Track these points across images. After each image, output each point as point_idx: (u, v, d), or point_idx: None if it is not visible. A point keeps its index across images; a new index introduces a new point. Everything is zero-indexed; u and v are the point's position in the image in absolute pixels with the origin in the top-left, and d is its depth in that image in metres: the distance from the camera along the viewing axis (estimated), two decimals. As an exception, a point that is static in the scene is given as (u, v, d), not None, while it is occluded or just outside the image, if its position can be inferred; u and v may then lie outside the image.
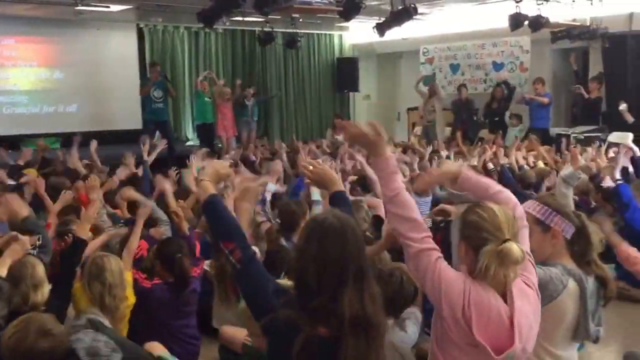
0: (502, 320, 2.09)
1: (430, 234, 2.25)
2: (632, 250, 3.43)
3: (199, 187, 2.39)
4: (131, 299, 3.57)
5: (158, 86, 11.55)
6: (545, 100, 11.57)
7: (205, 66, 13.60)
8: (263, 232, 4.86)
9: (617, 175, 5.74)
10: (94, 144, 8.23)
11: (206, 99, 12.13)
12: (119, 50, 12.71)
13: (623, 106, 10.44)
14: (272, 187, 5.91)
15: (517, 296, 2.12)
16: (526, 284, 2.20)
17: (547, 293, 2.46)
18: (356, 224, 2.19)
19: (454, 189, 2.62)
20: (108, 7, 10.44)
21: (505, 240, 2.11)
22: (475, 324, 2.07)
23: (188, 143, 13.11)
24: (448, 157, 8.63)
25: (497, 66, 13.29)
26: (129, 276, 3.64)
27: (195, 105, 12.85)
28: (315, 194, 4.61)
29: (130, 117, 12.62)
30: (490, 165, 7.28)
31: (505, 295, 2.13)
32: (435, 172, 2.60)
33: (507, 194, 2.44)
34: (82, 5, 9.65)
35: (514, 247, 2.09)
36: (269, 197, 5.73)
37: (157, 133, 11.50)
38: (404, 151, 9.58)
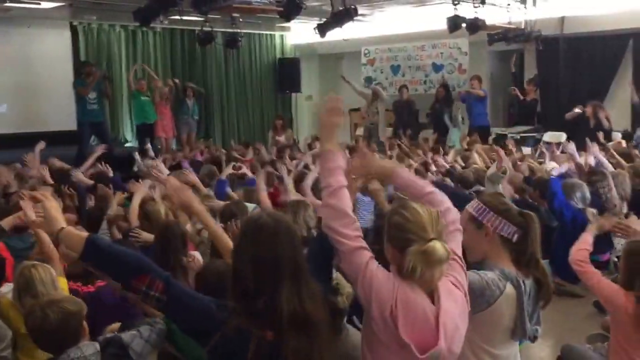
0: (428, 320, 2.10)
1: (361, 234, 2.24)
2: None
3: (62, 241, 2.13)
4: None
5: (94, 87, 11.26)
6: (481, 93, 11.79)
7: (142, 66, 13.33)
8: (204, 237, 4.78)
9: (553, 173, 5.89)
10: (40, 145, 7.74)
11: (143, 98, 11.85)
12: (51, 49, 12.26)
13: (577, 110, 10.66)
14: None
15: (444, 296, 2.13)
16: (454, 284, 2.21)
17: (484, 299, 2.47)
18: (291, 222, 2.17)
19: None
20: (39, 3, 10.11)
21: (430, 240, 2.11)
22: (402, 323, 2.07)
23: (127, 144, 12.82)
24: (391, 157, 8.68)
25: (437, 67, 13.48)
26: (63, 283, 3.49)
27: (133, 105, 12.54)
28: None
29: (64, 118, 12.20)
30: (432, 168, 7.37)
31: (432, 295, 2.14)
32: (371, 162, 2.55)
33: (441, 196, 2.43)
34: (11, 2, 9.31)
35: (438, 246, 2.09)
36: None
37: (93, 137, 11.20)
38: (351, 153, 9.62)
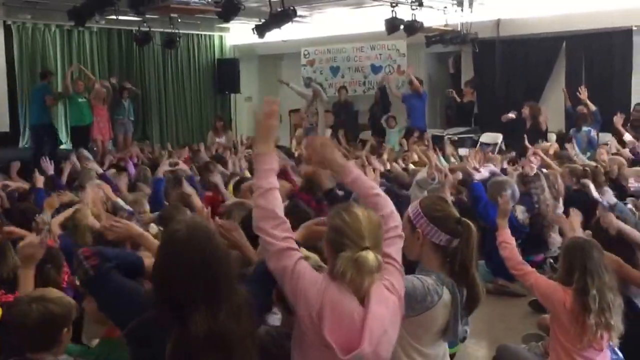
0: (354, 322, 2.11)
1: (292, 235, 2.25)
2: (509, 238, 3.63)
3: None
4: None
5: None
6: (420, 88, 11.90)
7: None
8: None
9: (476, 177, 5.97)
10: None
11: (80, 99, 11.55)
12: (-17, 49, 11.88)
13: (511, 115, 10.87)
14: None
15: (374, 301, 2.15)
16: (388, 289, 2.22)
17: (425, 305, 2.50)
18: (211, 235, 2.15)
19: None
20: (-30, 2, 9.76)
21: (364, 248, 2.13)
22: (327, 324, 2.09)
23: (62, 147, 12.47)
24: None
25: (376, 69, 13.59)
26: None
27: (69, 107, 12.20)
28: None
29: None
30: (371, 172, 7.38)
31: (364, 298, 2.16)
32: (328, 150, 2.55)
33: (385, 200, 2.45)
34: (-59, 0, 8.96)
35: (369, 257, 2.12)
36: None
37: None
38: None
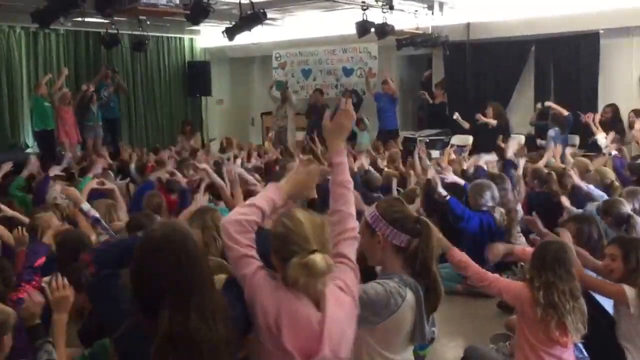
0: (312, 327, 2.12)
1: (254, 245, 2.23)
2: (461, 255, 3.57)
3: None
4: None
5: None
6: (395, 89, 11.95)
7: (45, 69, 12.77)
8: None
9: (443, 192, 5.92)
10: None
11: (46, 104, 11.36)
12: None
13: (456, 115, 11.05)
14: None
15: (330, 303, 2.16)
16: (341, 288, 2.23)
17: (389, 309, 2.49)
18: (186, 236, 2.12)
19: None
20: None
21: (312, 251, 2.11)
22: (285, 332, 2.10)
23: (27, 150, 12.25)
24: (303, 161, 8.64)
25: (347, 71, 13.59)
26: None
27: (34, 111, 11.97)
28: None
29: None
30: None
31: (318, 302, 2.16)
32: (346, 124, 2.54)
33: (353, 199, 2.48)
34: None
35: (318, 259, 2.11)
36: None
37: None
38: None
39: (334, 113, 2.60)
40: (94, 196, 5.52)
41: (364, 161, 8.01)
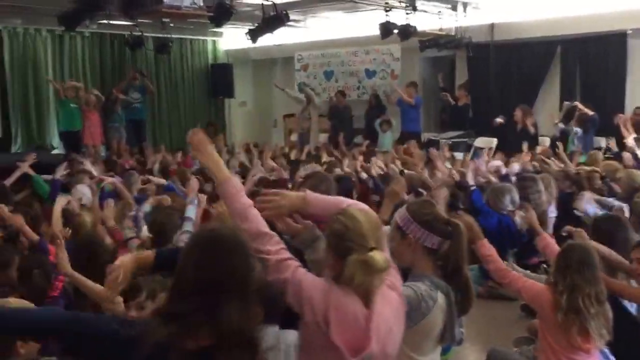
0: (360, 323, 2.13)
1: (284, 246, 2.26)
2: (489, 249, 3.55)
3: None
4: None
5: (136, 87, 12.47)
6: (411, 101, 11.90)
7: (71, 71, 12.95)
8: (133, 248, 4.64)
9: (471, 181, 5.92)
10: None
11: (72, 105, 11.50)
12: (-27, 54, 11.83)
13: (499, 120, 10.84)
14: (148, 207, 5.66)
15: (378, 300, 2.16)
16: (389, 287, 2.24)
17: (420, 312, 2.50)
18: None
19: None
20: (-40, 7, 9.71)
21: (371, 249, 2.13)
22: (334, 327, 2.10)
23: (54, 152, 12.41)
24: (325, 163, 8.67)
25: (370, 73, 13.55)
26: None
27: (61, 112, 12.14)
28: (190, 210, 4.47)
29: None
30: (364, 175, 7.34)
31: (366, 298, 2.16)
32: (279, 202, 2.48)
33: (363, 205, 2.43)
34: None
35: (378, 256, 2.12)
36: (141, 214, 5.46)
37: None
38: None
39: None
40: (110, 196, 5.60)
41: (381, 163, 7.99)
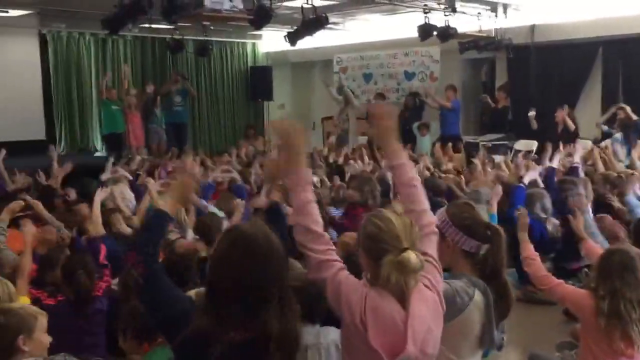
0: (397, 325, 2.13)
1: (333, 247, 2.27)
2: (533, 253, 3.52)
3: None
4: None
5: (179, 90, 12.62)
6: (448, 105, 11.82)
7: (113, 74, 13.19)
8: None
9: (525, 180, 5.88)
10: (1, 154, 7.72)
11: (113, 107, 11.72)
12: (19, 57, 12.16)
13: (532, 113, 10.78)
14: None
15: (415, 300, 2.16)
16: (427, 286, 2.24)
17: (455, 307, 2.48)
18: (279, 241, 2.18)
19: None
20: (7, 11, 10.00)
21: (404, 249, 2.13)
22: (371, 329, 2.11)
23: (97, 154, 12.67)
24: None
25: (409, 75, 13.50)
26: (24, 302, 3.39)
27: (103, 114, 12.39)
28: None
29: (32, 127, 12.11)
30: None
31: (403, 300, 2.16)
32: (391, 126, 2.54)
33: (422, 195, 2.46)
34: (-22, 10, 9.19)
35: (412, 256, 2.13)
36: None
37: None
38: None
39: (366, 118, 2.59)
40: None
41: (423, 166, 7.97)
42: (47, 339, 2.72)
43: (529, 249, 3.55)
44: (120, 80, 12.68)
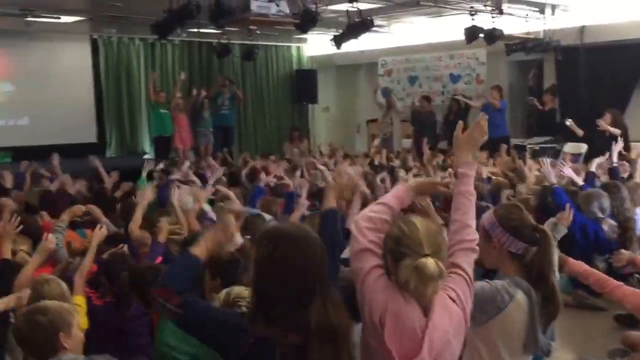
0: (415, 331, 2.13)
1: (381, 244, 2.28)
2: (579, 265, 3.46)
3: None
4: (83, 323, 3.34)
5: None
6: (498, 104, 11.65)
7: (161, 78, 13.44)
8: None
9: (553, 179, 5.79)
10: (56, 158, 7.99)
11: (162, 110, 11.93)
12: (72, 62, 12.54)
13: (569, 122, 10.57)
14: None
15: (437, 311, 2.16)
16: (452, 299, 2.22)
17: (495, 304, 2.47)
18: (317, 237, 2.21)
19: None
20: (59, 18, 10.26)
21: (424, 255, 2.12)
22: (388, 331, 2.12)
23: (145, 156, 12.92)
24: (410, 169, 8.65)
25: (454, 78, 13.40)
26: (80, 300, 3.49)
27: (152, 117, 12.62)
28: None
29: (83, 130, 12.43)
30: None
31: (426, 307, 2.16)
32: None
33: (473, 210, 2.44)
34: (32, 17, 9.46)
35: (429, 263, 2.11)
36: None
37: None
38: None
39: (465, 126, 2.59)
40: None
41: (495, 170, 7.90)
42: (82, 335, 2.79)
43: (575, 265, 3.48)
44: (172, 84, 12.91)
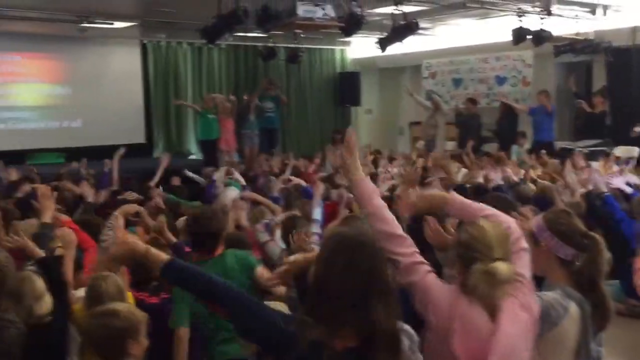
0: (482, 336, 2.11)
1: (417, 249, 2.29)
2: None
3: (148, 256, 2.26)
4: None
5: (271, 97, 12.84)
6: (549, 107, 11.49)
7: (208, 81, 13.65)
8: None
9: (603, 187, 5.69)
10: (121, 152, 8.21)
11: (209, 116, 12.07)
12: (123, 66, 12.85)
13: (638, 128, 10.29)
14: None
15: (505, 317, 2.13)
16: (521, 306, 2.19)
17: (550, 320, 2.42)
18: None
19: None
20: (112, 24, 10.52)
21: (495, 259, 2.13)
22: (457, 336, 2.11)
23: (191, 157, 13.15)
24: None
25: (500, 80, 13.25)
26: (129, 297, 3.52)
27: (199, 122, 12.79)
28: (317, 212, 4.57)
29: (134, 132, 12.70)
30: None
31: (494, 313, 2.14)
32: (419, 196, 2.56)
33: (499, 217, 2.41)
34: (86, 23, 9.72)
35: (501, 267, 2.12)
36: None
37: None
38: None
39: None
40: None
41: (511, 172, 7.79)
42: (146, 343, 2.75)
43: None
44: (219, 88, 13.13)
